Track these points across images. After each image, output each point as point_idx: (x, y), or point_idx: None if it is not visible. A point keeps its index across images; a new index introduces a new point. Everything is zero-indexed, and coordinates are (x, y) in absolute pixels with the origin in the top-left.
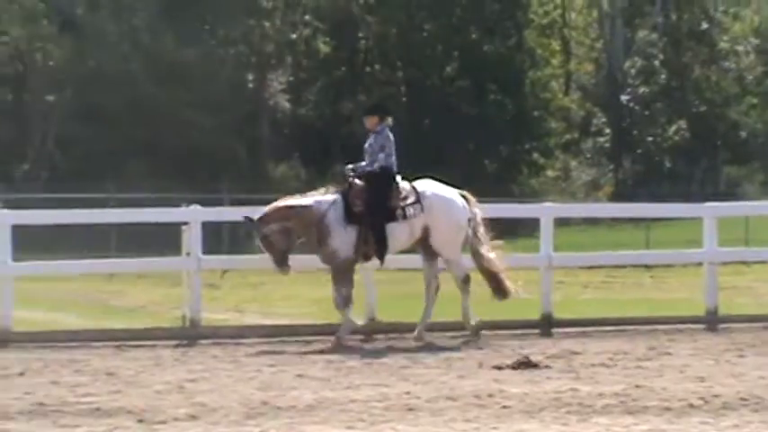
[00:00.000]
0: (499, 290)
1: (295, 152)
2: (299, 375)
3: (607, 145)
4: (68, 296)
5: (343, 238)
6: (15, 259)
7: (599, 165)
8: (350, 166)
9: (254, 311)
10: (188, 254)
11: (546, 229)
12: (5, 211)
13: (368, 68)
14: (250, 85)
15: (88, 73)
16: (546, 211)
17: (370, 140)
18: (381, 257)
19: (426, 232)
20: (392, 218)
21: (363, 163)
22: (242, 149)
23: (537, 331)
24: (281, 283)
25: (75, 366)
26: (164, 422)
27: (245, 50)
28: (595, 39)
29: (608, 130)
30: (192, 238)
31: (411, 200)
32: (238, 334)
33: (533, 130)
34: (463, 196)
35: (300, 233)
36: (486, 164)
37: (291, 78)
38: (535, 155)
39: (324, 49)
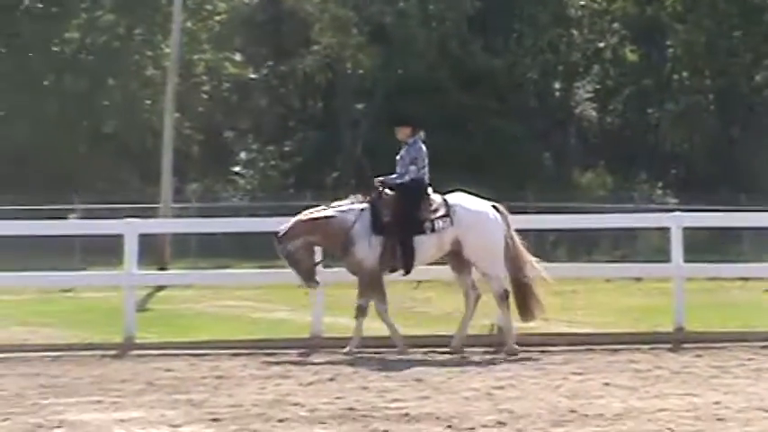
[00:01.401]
0: (526, 310)
1: (601, 160)
2: (606, 384)
3: None
4: None
5: (369, 249)
6: None
7: None
8: (379, 178)
9: (560, 320)
10: None
11: None
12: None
13: (675, 76)
14: (557, 94)
15: (396, 81)
16: None
17: (402, 152)
18: (408, 268)
19: (458, 245)
20: (421, 230)
21: (394, 175)
22: (548, 157)
23: None
24: (590, 291)
25: (385, 372)
26: (472, 429)
27: (551, 59)
28: None
29: None
30: None
31: (441, 212)
32: (545, 342)
33: None
34: (495, 208)
35: (325, 245)
36: None
37: (598, 87)
38: None
39: (631, 57)
